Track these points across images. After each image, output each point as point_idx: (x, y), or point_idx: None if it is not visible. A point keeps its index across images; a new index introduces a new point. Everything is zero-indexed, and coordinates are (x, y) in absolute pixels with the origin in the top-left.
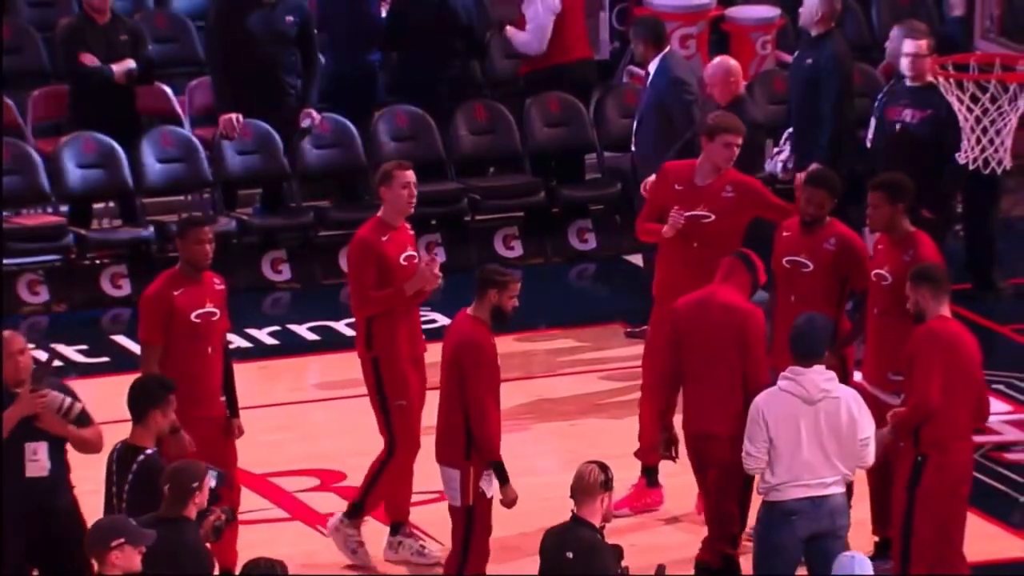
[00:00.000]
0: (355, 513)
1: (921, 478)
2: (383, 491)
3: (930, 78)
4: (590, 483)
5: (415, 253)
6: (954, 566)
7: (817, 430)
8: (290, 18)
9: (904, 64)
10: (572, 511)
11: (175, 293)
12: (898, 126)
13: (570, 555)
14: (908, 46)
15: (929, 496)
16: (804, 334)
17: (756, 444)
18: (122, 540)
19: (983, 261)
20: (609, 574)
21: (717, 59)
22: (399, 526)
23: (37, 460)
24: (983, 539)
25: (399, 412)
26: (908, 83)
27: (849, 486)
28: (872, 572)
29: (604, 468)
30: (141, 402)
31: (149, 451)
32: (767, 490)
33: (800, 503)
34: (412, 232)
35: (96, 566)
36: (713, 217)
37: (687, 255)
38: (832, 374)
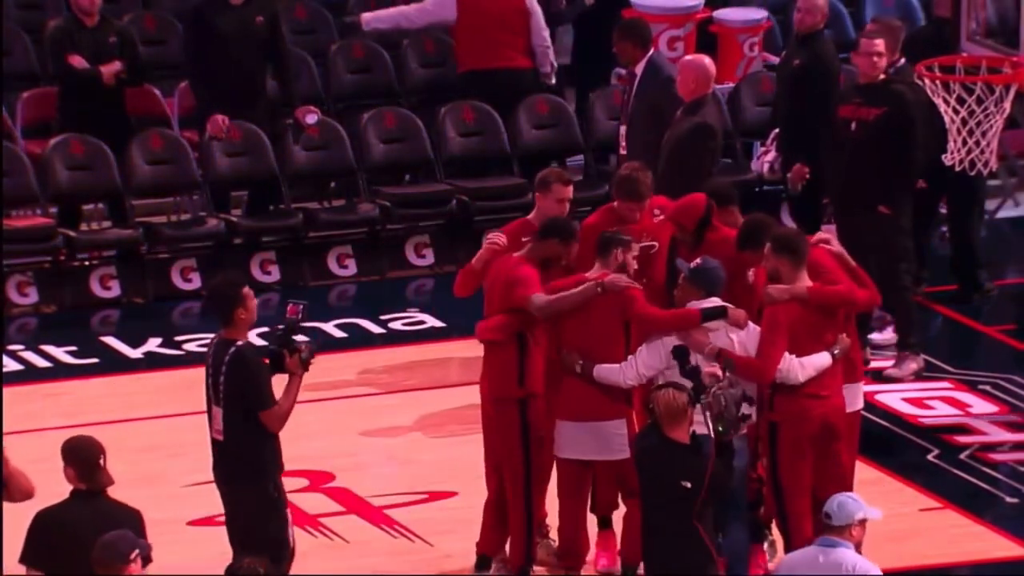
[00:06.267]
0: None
1: (777, 443)
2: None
3: (883, 75)
4: (679, 407)
5: None
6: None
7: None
8: (260, 18)
9: (859, 62)
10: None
11: None
12: (853, 124)
13: (687, 484)
14: (863, 45)
15: (785, 456)
16: (704, 273)
17: (640, 370)
18: (137, 552)
19: (968, 263)
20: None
21: (691, 56)
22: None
23: None
24: (970, 538)
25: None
26: (861, 80)
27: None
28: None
29: (683, 389)
30: (223, 306)
31: (240, 343)
32: None
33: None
34: None
35: None
36: (656, 245)
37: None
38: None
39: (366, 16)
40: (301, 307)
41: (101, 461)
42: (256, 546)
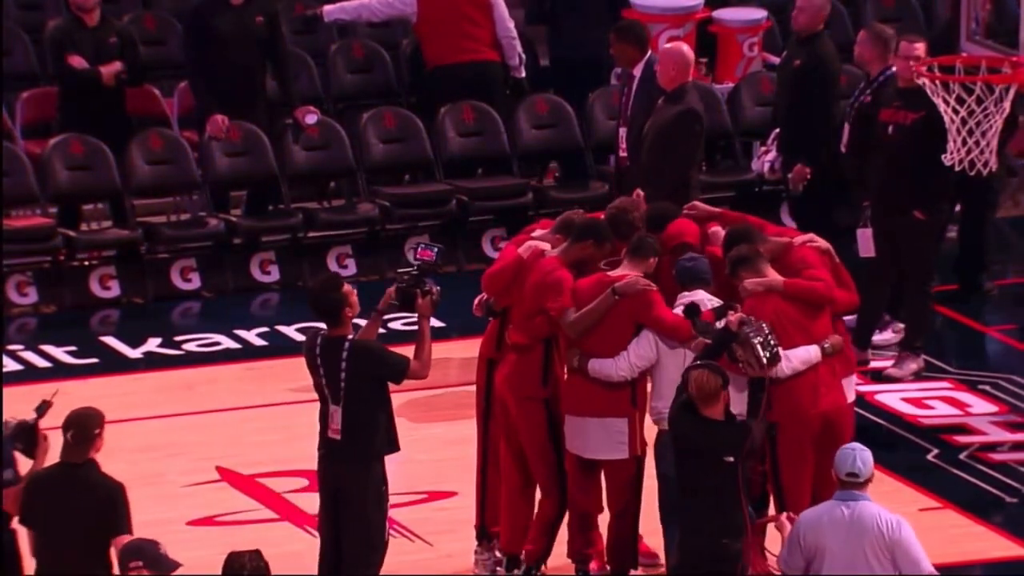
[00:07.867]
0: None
1: (777, 443)
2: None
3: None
4: (712, 390)
5: None
6: None
7: None
8: (260, 18)
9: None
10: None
11: None
12: (891, 128)
13: (731, 459)
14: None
15: (786, 456)
16: (687, 268)
17: (632, 360)
18: (140, 564)
19: (972, 264)
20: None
21: (670, 44)
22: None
23: None
24: (970, 538)
25: None
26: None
27: None
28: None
29: (717, 370)
30: (330, 309)
31: (350, 337)
32: (659, 418)
33: None
34: None
35: None
36: None
37: None
38: (713, 299)
39: (328, 8)
40: (436, 251)
41: (97, 431)
42: (361, 533)
